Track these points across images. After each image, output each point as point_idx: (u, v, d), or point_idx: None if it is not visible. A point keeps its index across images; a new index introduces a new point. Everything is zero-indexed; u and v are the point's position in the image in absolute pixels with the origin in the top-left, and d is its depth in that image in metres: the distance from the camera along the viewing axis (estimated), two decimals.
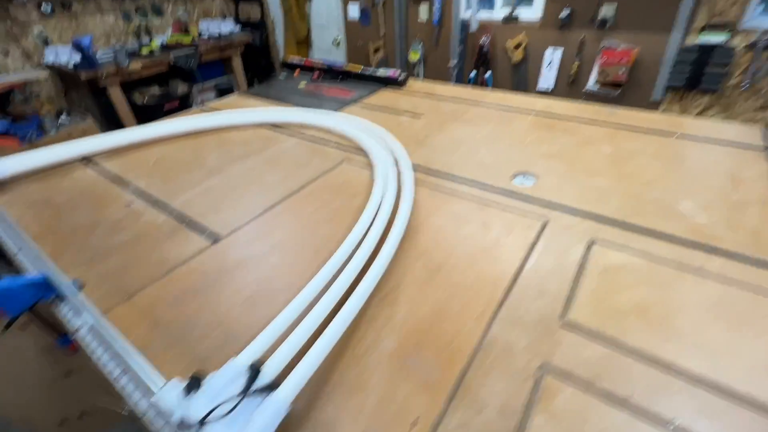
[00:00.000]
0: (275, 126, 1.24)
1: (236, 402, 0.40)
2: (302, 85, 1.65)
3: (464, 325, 0.55)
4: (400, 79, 1.51)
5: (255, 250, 0.72)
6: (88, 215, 0.83)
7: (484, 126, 1.17)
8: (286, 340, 0.49)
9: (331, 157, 1.03)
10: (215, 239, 0.75)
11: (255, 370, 0.43)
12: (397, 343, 0.54)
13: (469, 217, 0.77)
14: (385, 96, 1.47)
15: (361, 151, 1.06)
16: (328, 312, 0.54)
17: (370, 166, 0.98)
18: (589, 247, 0.67)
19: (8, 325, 0.61)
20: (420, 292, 0.61)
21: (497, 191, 0.85)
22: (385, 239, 0.68)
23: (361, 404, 0.47)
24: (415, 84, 1.57)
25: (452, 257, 0.67)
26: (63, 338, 0.82)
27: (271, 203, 0.85)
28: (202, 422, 0.38)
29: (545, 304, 0.58)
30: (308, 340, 0.50)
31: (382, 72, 1.55)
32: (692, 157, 0.94)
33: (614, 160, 0.94)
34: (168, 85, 2.84)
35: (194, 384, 0.41)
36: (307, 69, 1.77)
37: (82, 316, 0.57)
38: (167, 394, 0.42)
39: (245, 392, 0.40)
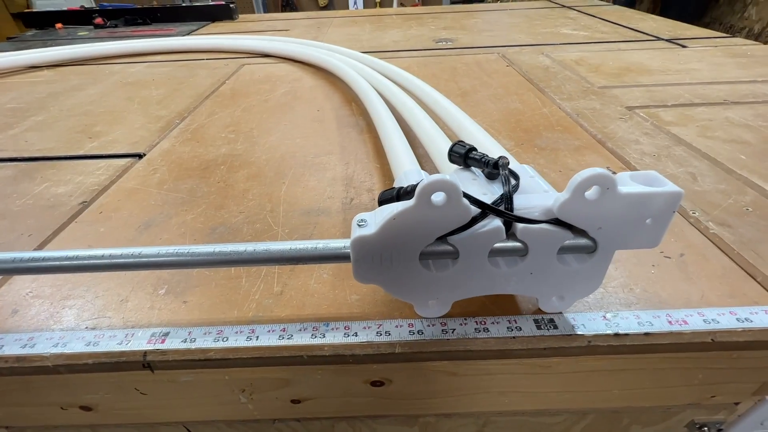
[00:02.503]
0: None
1: None
2: (85, 33, 1.15)
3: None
4: (232, 5, 1.25)
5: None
6: None
7: (363, 25, 1.10)
8: None
9: (219, 66, 0.76)
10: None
11: None
12: None
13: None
14: (222, 27, 1.19)
15: (258, 54, 0.83)
16: None
17: (279, 62, 0.77)
18: None
19: None
20: None
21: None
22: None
23: None
24: (246, 17, 1.34)
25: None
26: None
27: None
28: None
29: None
30: None
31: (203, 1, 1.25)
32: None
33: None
34: None
35: None
36: (76, 17, 1.25)
37: None
38: None
39: None
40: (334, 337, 0.23)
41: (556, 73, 0.64)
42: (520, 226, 0.20)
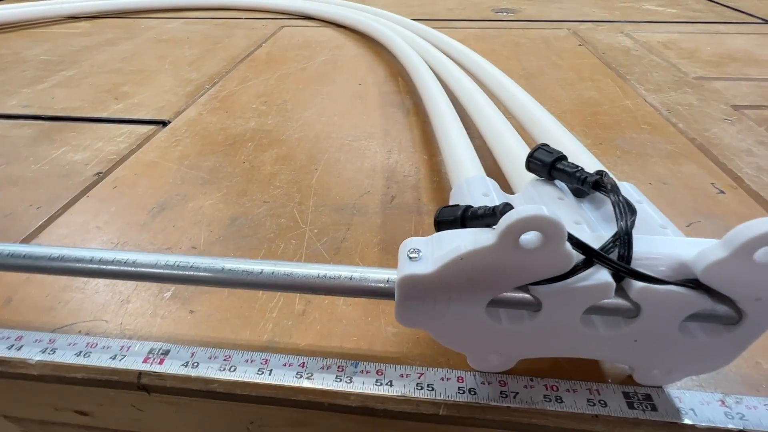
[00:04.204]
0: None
1: None
2: None
3: None
4: None
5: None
6: None
7: None
8: None
9: (257, 27, 0.71)
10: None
11: None
12: None
13: None
14: None
15: (297, 15, 0.77)
16: None
17: (321, 26, 0.71)
18: None
19: None
20: None
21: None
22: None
23: None
24: None
25: None
26: None
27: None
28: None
29: None
30: None
31: None
32: None
33: None
34: None
35: None
36: None
37: None
38: None
39: None
40: (363, 384, 0.18)
41: (639, 57, 0.54)
42: (638, 284, 0.14)
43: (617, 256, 0.14)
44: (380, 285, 0.16)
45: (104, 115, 0.43)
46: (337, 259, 0.24)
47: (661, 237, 0.16)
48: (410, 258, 0.15)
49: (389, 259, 0.24)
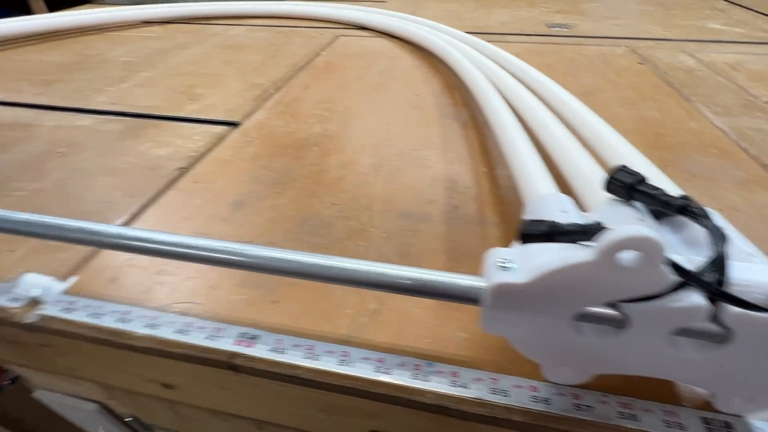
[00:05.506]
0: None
1: None
2: None
3: None
4: None
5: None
6: None
7: (464, 2, 1.01)
8: None
9: (315, 35, 0.74)
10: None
11: None
12: None
13: None
14: None
15: (352, 25, 0.80)
16: None
17: (376, 36, 0.73)
18: None
19: None
20: None
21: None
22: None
23: None
24: None
25: None
26: None
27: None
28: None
29: None
30: None
31: None
32: None
33: None
34: None
35: None
36: None
37: None
38: None
39: None
40: (440, 384, 0.19)
41: (704, 78, 0.53)
42: (734, 309, 0.14)
43: (712, 280, 0.14)
44: (469, 291, 0.17)
45: (181, 114, 0.46)
46: (406, 263, 0.26)
47: (756, 264, 0.16)
48: (501, 267, 0.16)
49: (456, 267, 0.25)
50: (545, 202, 0.22)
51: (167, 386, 0.25)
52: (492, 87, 0.41)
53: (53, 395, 0.33)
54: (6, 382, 0.31)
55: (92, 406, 0.32)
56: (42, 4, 2.20)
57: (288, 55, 0.65)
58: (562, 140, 0.30)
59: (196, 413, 0.29)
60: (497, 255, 0.17)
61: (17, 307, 0.23)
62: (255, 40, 0.74)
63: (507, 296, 0.16)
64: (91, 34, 0.78)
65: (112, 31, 0.80)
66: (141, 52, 0.68)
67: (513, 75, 0.45)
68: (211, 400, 0.25)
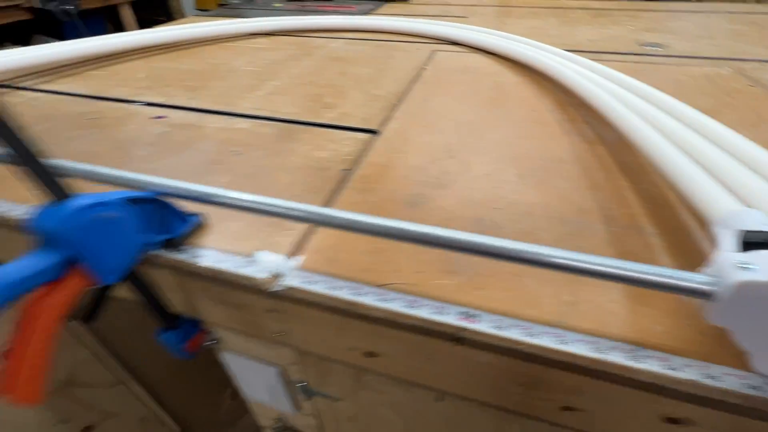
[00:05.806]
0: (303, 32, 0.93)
1: None
2: (279, 4, 1.30)
3: None
4: None
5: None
6: None
7: (546, 18, 1.04)
8: None
9: (411, 50, 0.79)
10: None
11: None
12: None
13: None
14: (396, 8, 1.23)
15: (446, 41, 0.85)
16: None
17: (470, 52, 0.77)
18: None
19: (92, 311, 0.28)
20: None
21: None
22: None
23: None
24: None
25: None
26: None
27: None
28: None
29: None
30: None
31: None
32: None
33: None
34: (30, 43, 2.06)
35: None
36: None
37: None
38: None
39: None
40: (651, 366, 0.22)
41: None
42: None
43: None
44: (701, 285, 0.20)
45: (322, 121, 0.52)
46: None
47: None
48: (743, 268, 0.19)
49: None
50: (741, 218, 0.25)
51: (370, 354, 0.30)
52: (624, 106, 0.44)
53: (238, 358, 0.39)
54: (211, 341, 0.37)
55: (273, 369, 0.37)
56: (130, 13, 2.42)
57: (394, 69, 0.70)
58: (714, 159, 0.32)
59: (380, 382, 0.33)
60: (732, 258, 0.20)
61: (264, 278, 0.29)
62: (357, 53, 0.80)
63: (750, 292, 0.19)
64: (208, 44, 0.87)
65: (224, 42, 0.89)
66: (260, 62, 0.75)
67: (637, 95, 0.47)
68: (409, 370, 0.30)
